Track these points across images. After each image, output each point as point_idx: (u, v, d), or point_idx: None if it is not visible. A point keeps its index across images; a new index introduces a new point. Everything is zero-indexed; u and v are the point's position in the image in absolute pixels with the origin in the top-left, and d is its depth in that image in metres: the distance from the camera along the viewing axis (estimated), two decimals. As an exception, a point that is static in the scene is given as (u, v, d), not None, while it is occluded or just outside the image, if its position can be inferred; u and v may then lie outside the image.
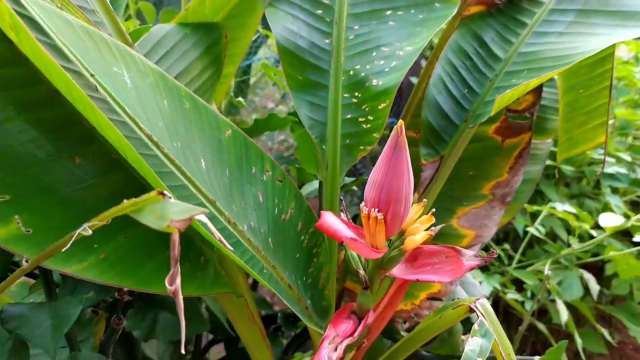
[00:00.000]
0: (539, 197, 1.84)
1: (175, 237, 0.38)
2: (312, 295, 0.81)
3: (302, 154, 1.00)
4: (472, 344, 0.60)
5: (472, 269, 0.71)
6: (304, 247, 0.81)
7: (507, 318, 1.72)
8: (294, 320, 1.11)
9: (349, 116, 0.86)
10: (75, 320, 0.58)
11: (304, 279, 0.80)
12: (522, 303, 1.44)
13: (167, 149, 0.58)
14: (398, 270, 0.73)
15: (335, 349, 0.62)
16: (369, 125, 0.85)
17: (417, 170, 0.91)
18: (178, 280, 0.39)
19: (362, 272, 0.74)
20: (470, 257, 0.72)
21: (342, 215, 0.77)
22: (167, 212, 0.37)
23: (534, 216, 1.65)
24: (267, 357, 0.75)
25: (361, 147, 0.86)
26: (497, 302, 1.61)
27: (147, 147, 0.55)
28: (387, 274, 0.73)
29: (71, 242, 0.39)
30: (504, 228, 1.80)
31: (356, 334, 0.70)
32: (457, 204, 0.93)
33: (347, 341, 0.65)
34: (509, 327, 1.64)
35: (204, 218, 0.37)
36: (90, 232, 0.40)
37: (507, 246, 1.62)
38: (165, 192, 0.38)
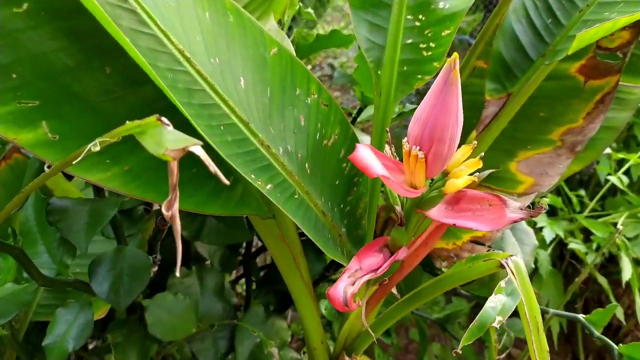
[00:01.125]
0: (633, 142, 1.67)
1: (173, 165, 0.37)
2: (348, 223, 0.80)
3: (361, 76, 0.95)
4: (495, 301, 0.57)
5: (514, 222, 0.66)
6: (345, 174, 0.79)
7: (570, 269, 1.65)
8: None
9: (409, 41, 0.79)
10: (109, 219, 0.61)
11: (342, 206, 0.79)
12: (586, 254, 1.35)
13: (201, 65, 0.57)
14: (436, 212, 0.70)
15: (353, 284, 0.62)
16: (429, 53, 0.78)
17: (479, 106, 0.84)
18: (176, 206, 0.39)
19: (398, 208, 0.72)
20: (515, 209, 0.67)
21: (387, 148, 0.74)
22: (163, 140, 0.36)
23: (621, 163, 1.51)
24: (297, 277, 0.77)
25: (419, 76, 0.80)
26: (562, 250, 1.53)
27: (178, 63, 0.54)
28: (424, 214, 0.70)
29: (82, 156, 0.40)
30: (585, 172, 1.67)
31: (381, 269, 0.69)
32: (519, 147, 0.86)
33: (368, 276, 0.65)
34: (570, 279, 1.57)
35: (198, 150, 0.36)
36: (99, 147, 0.40)
37: (582, 192, 1.51)
38: (163, 118, 0.37)
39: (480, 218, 0.69)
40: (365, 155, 0.63)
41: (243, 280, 1.36)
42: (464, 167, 0.67)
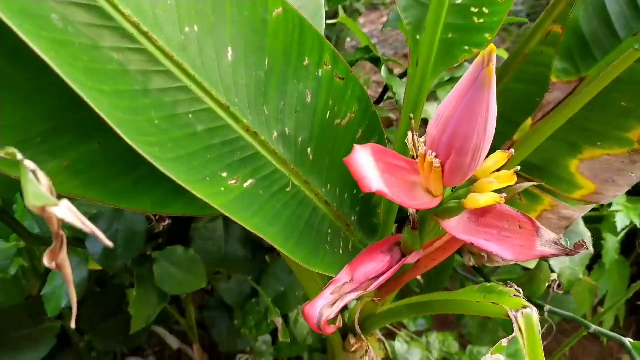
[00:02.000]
0: None
1: (50, 213, 0.30)
2: (360, 211, 0.71)
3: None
4: (491, 362, 0.47)
5: (543, 256, 0.54)
6: (361, 157, 0.68)
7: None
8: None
9: (459, 1, 0.62)
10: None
11: (354, 192, 0.69)
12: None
13: (167, 38, 0.47)
14: (455, 224, 0.59)
15: (333, 304, 0.54)
16: (481, 20, 0.61)
17: (543, 85, 0.68)
18: (63, 255, 0.32)
19: (411, 211, 0.61)
20: (548, 241, 0.54)
21: (409, 136, 0.61)
22: (25, 190, 0.28)
23: None
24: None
25: (466, 47, 0.64)
26: (634, 238, 1.33)
27: (130, 39, 0.44)
28: (441, 223, 0.59)
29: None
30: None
31: (383, 277, 0.60)
32: (587, 141, 0.69)
33: (355, 294, 0.56)
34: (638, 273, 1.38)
35: (62, 211, 0.28)
36: None
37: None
38: (27, 162, 0.29)
39: (505, 241, 0.57)
40: (362, 162, 0.51)
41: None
42: (493, 180, 0.54)
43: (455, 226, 0.59)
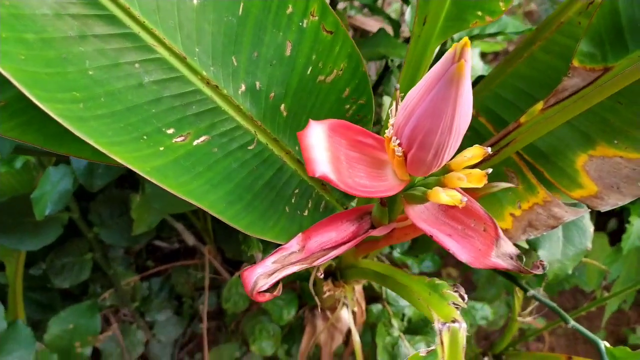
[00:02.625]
0: None
1: None
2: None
3: None
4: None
5: (495, 268, 0.50)
6: (346, 117, 0.63)
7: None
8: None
9: (477, -42, 0.53)
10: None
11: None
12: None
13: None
14: (418, 211, 0.55)
15: (270, 275, 0.53)
16: None
17: (561, 68, 0.59)
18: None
19: (381, 186, 0.57)
20: (504, 254, 0.50)
21: (392, 108, 0.56)
22: None
23: None
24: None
25: (478, 13, 0.56)
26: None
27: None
28: (405, 207, 0.55)
29: None
30: None
31: (341, 248, 0.59)
32: (603, 136, 0.60)
33: (298, 266, 0.54)
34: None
35: None
36: None
37: None
38: None
39: (465, 240, 0.53)
40: (312, 142, 0.47)
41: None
42: (463, 178, 0.49)
43: (419, 214, 0.55)
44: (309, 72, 0.57)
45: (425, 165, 0.47)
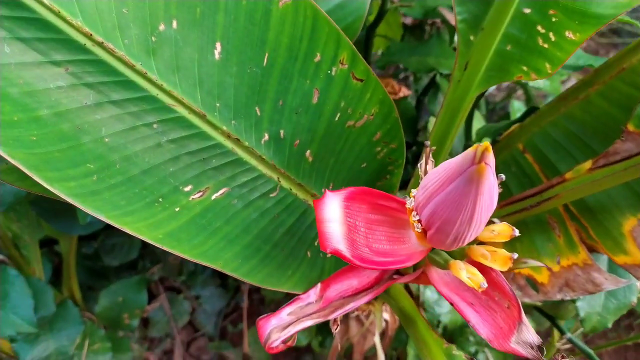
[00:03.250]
0: None
1: None
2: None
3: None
4: None
5: (512, 353, 0.47)
6: (377, 159, 0.61)
7: None
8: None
9: (527, 11, 0.48)
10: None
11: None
12: None
13: (129, 45, 0.42)
14: (441, 276, 0.53)
15: (285, 329, 0.52)
16: (545, 45, 0.47)
17: (618, 117, 0.54)
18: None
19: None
20: (525, 341, 0.47)
21: (422, 164, 0.53)
22: None
23: None
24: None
25: (523, 68, 0.51)
26: None
27: (82, 51, 0.40)
28: (426, 270, 0.53)
29: None
30: None
31: (366, 296, 0.58)
32: (658, 202, 0.55)
33: (312, 322, 0.54)
34: None
35: None
36: None
37: None
38: None
39: (487, 314, 0.50)
40: (328, 214, 0.45)
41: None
42: (487, 255, 0.46)
43: (441, 277, 0.53)
44: (337, 118, 0.55)
45: (444, 245, 0.45)
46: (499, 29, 0.51)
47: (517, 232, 0.45)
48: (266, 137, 0.52)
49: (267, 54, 0.49)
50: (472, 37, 0.53)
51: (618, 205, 0.58)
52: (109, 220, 0.41)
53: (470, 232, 0.42)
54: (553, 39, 0.47)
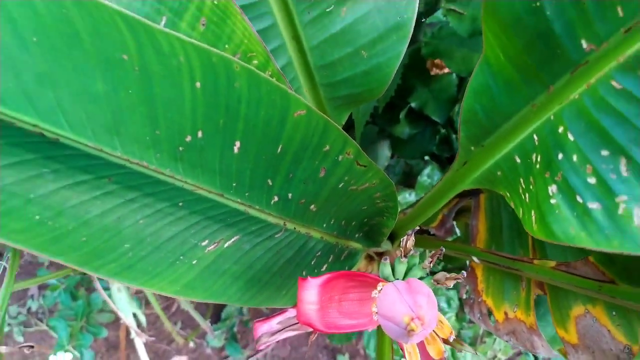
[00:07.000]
0: None
1: None
2: (367, 230, 0.76)
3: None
4: None
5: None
6: (376, 206, 0.70)
7: None
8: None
9: (518, 161, 0.51)
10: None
11: (365, 220, 0.74)
12: None
13: (160, 158, 0.50)
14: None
15: (272, 335, 0.68)
16: (526, 196, 0.52)
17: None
18: None
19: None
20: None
21: (399, 255, 0.62)
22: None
23: None
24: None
25: (508, 194, 0.56)
26: None
27: (112, 166, 0.49)
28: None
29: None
30: None
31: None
32: (604, 304, 0.63)
33: (294, 332, 0.69)
34: None
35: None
36: None
37: None
38: None
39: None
40: (305, 298, 0.56)
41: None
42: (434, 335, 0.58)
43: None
44: (340, 186, 0.63)
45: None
46: (493, 156, 0.55)
47: (453, 337, 0.56)
48: (275, 199, 0.62)
49: (280, 145, 0.57)
50: (472, 148, 0.57)
51: (574, 291, 0.66)
52: (141, 287, 0.55)
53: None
54: (530, 194, 0.51)
